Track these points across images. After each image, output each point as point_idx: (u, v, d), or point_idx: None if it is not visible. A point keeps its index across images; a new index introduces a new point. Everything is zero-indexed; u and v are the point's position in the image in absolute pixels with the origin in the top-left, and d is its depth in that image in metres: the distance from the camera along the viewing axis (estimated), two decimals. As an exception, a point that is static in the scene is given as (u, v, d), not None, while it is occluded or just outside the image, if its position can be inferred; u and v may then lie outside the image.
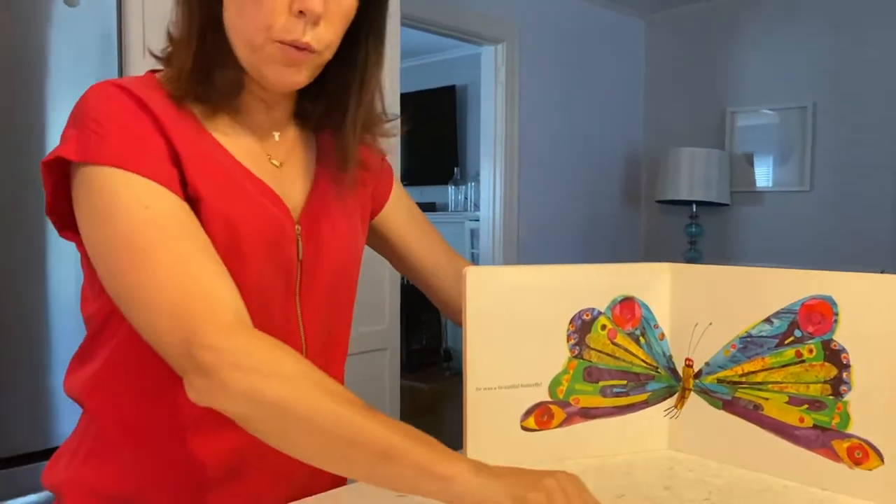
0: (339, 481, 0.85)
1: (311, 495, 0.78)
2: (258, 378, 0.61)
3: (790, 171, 3.84)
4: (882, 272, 2.63)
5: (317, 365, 0.81)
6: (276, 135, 0.82)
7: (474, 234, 4.69)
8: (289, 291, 0.79)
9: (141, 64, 1.81)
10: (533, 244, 3.62)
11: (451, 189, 5.21)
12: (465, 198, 5.11)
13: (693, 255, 4.01)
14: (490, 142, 3.55)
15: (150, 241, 0.66)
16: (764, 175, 3.95)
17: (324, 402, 0.60)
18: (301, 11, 0.69)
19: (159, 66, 0.77)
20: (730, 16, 3.97)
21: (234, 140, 0.77)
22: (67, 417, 1.49)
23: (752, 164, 3.98)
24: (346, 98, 0.80)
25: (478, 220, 3.91)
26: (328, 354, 0.85)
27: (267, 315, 0.76)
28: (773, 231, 3.88)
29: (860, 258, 3.52)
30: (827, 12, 3.62)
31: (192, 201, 0.71)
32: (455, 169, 5.22)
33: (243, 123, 0.79)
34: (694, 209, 3.99)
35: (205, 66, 0.73)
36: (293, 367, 0.63)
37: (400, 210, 0.96)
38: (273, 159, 0.81)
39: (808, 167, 3.74)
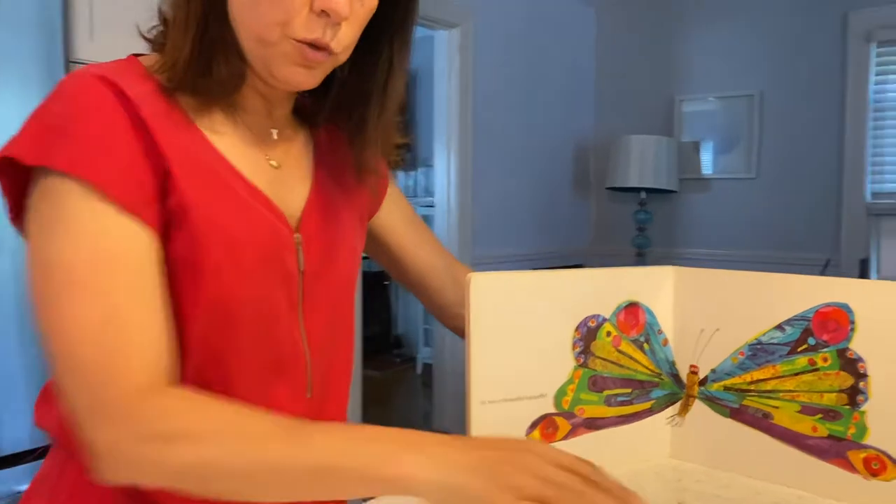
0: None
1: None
2: (159, 447, 0.56)
3: (737, 159, 3.90)
4: (827, 261, 2.68)
5: (320, 383, 0.76)
6: (275, 133, 0.75)
7: (427, 220, 4.63)
8: (291, 306, 0.73)
9: (88, 46, 1.70)
10: (487, 231, 3.59)
11: (400, 174, 5.14)
12: (416, 183, 5.05)
13: (641, 241, 4.05)
14: (444, 127, 3.49)
15: (88, 278, 0.58)
16: (711, 162, 4.01)
17: (237, 448, 0.56)
18: (324, 11, 0.63)
19: (135, 50, 0.70)
20: (680, 4, 4.00)
21: (227, 139, 0.70)
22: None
23: (699, 152, 4.03)
24: (367, 107, 0.74)
25: (430, 206, 3.86)
26: (333, 371, 0.79)
27: (270, 333, 0.70)
28: (720, 217, 3.94)
29: (804, 245, 3.61)
30: (772, 2, 3.67)
31: (180, 209, 0.64)
32: (406, 154, 5.15)
33: (239, 120, 0.72)
34: (643, 196, 4.03)
35: (205, 55, 0.66)
36: (201, 423, 0.57)
37: (395, 211, 0.90)
38: (271, 160, 0.74)
39: (755, 155, 3.81)
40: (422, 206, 4.78)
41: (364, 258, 0.89)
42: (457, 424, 3.61)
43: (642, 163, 3.87)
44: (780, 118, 3.71)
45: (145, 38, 0.69)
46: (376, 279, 5.08)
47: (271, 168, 0.73)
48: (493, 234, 3.64)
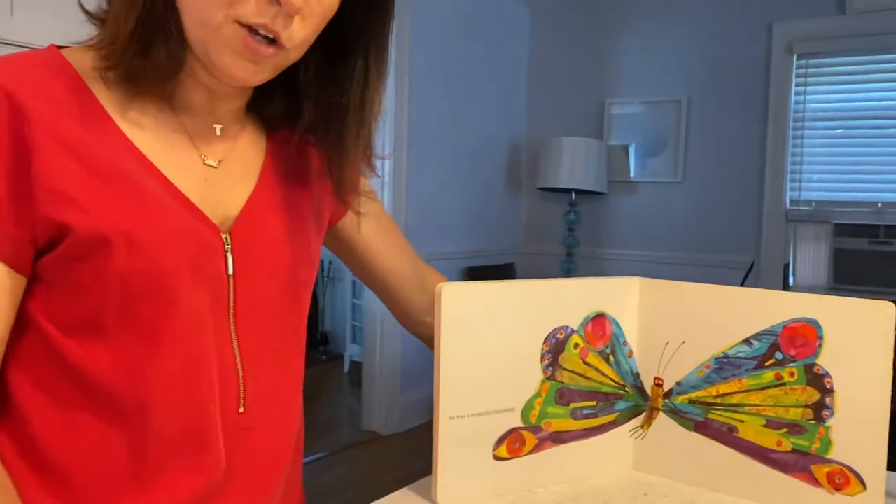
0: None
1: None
2: None
3: (663, 163, 4.00)
4: (752, 264, 2.77)
5: (254, 398, 0.71)
6: (218, 129, 0.70)
7: (357, 216, 4.56)
8: (219, 311, 0.68)
9: (9, 23, 1.58)
10: (420, 229, 3.56)
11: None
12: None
13: (571, 241, 4.11)
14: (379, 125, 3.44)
15: None
16: (638, 166, 4.09)
17: None
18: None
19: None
20: (613, 9, 4.06)
21: (152, 135, 0.65)
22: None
23: (627, 155, 4.11)
24: (344, 123, 0.70)
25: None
26: (278, 378, 0.74)
27: (193, 341, 0.66)
28: (647, 220, 4.04)
29: (728, 248, 3.74)
30: (702, 10, 3.78)
31: (65, 219, 0.59)
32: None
33: (175, 112, 0.67)
34: (573, 197, 4.08)
35: (146, 35, 0.61)
36: None
37: (366, 215, 0.86)
38: (207, 158, 0.69)
39: (681, 159, 3.92)
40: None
41: None
42: (385, 425, 3.57)
43: (573, 164, 3.92)
44: (706, 124, 3.82)
45: (87, 14, 0.63)
46: (304, 275, 4.99)
47: (206, 167, 0.68)
48: (426, 233, 3.62)
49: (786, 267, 3.57)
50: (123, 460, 0.64)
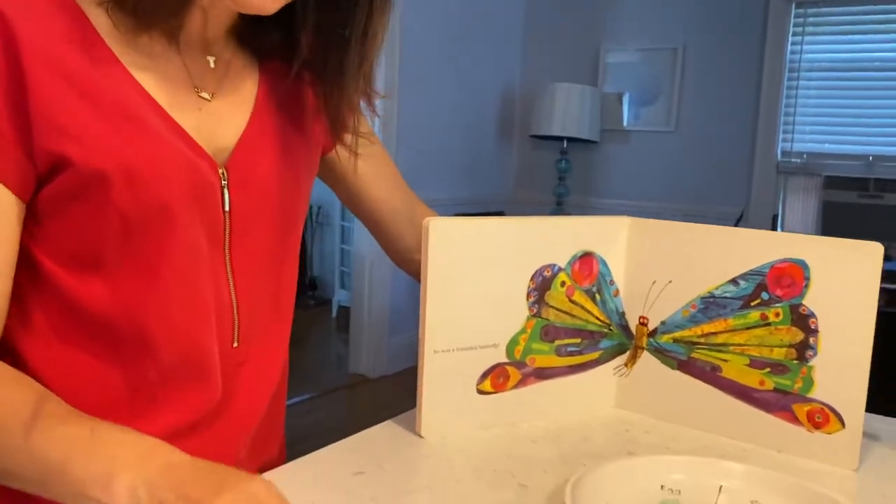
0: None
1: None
2: None
3: (657, 112, 3.97)
4: (741, 215, 2.77)
5: (249, 332, 0.71)
6: (211, 60, 0.68)
7: (346, 160, 4.52)
8: (216, 248, 0.67)
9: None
10: (410, 175, 3.53)
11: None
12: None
13: (561, 190, 4.09)
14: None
15: None
16: (632, 115, 4.06)
17: None
18: None
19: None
20: (610, -48, 3.97)
21: (153, 71, 0.63)
22: None
23: (621, 103, 4.07)
24: (345, 55, 0.68)
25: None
26: (267, 319, 0.74)
27: (191, 275, 0.65)
28: (638, 169, 4.02)
29: (718, 199, 3.73)
30: (702, -43, 3.70)
31: (63, 151, 0.57)
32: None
33: (171, 44, 0.64)
34: (564, 145, 4.05)
35: None
36: None
37: (359, 147, 0.84)
38: (202, 91, 0.67)
39: (675, 108, 3.88)
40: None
41: None
42: (372, 368, 3.60)
43: (566, 112, 3.88)
44: (701, 73, 3.78)
45: None
46: (292, 219, 4.96)
47: (202, 100, 0.67)
48: (417, 179, 3.57)
49: (774, 218, 3.58)
50: (121, 394, 0.64)
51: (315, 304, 5.06)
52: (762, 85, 3.57)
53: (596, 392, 0.91)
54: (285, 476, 0.69)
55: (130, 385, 0.64)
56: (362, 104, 0.74)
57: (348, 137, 0.78)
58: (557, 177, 4.11)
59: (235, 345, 0.70)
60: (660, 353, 0.88)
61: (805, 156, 3.58)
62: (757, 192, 3.63)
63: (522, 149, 4.38)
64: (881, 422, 0.90)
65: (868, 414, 0.87)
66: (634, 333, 0.90)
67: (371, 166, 0.86)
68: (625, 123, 4.06)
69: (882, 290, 0.73)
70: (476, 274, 0.80)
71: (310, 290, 5.17)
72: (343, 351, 3.92)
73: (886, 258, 0.76)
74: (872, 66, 3.40)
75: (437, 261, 0.77)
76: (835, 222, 3.44)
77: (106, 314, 0.62)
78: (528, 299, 0.84)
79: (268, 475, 0.68)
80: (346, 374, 3.68)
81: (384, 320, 3.61)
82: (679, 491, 0.68)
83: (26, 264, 0.61)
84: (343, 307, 4.58)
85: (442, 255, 0.77)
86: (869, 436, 0.85)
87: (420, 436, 0.79)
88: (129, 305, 0.62)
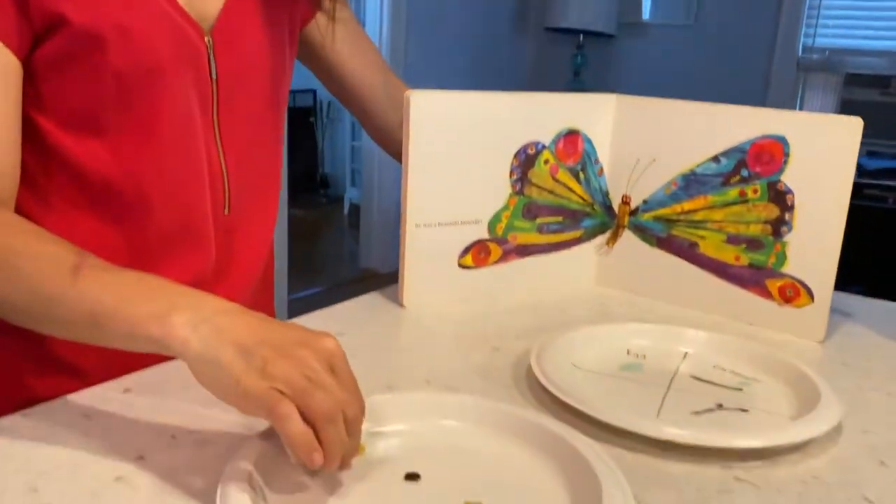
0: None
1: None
2: None
3: (676, 3, 3.83)
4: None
5: (239, 199, 0.73)
6: None
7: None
8: (205, 114, 0.68)
9: None
10: (420, 68, 3.47)
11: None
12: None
13: (576, 85, 4.01)
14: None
15: None
16: (651, 6, 3.92)
17: (15, 284, 0.53)
18: None
19: None
20: None
21: None
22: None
23: (640, -5, 3.93)
24: None
25: (362, 40, 3.68)
26: (254, 187, 0.75)
27: (185, 142, 0.66)
28: (656, 64, 3.92)
29: (736, 96, 3.65)
30: None
31: (59, 10, 0.57)
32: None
33: None
34: (581, 39, 3.95)
35: None
36: None
37: (336, 22, 0.83)
38: None
39: (694, 0, 3.74)
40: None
41: (290, 91, 0.83)
42: (383, 265, 3.66)
43: (582, 2, 3.76)
44: (723, -37, 3.62)
45: None
46: (302, 115, 4.92)
47: None
48: (427, 72, 3.53)
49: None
50: (122, 255, 0.66)
51: (327, 202, 5.09)
52: (787, -25, 3.42)
53: (577, 269, 0.93)
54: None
55: (131, 247, 0.67)
56: None
57: (327, 2, 0.78)
58: (573, 72, 4.02)
59: (227, 212, 0.72)
60: (640, 230, 0.89)
61: (827, 52, 3.46)
62: (775, 88, 3.54)
63: (537, 43, 4.26)
64: (858, 301, 0.91)
65: (844, 293, 0.89)
66: (617, 212, 0.91)
67: (347, 42, 0.85)
68: (644, 16, 3.93)
69: None
70: (458, 149, 0.81)
71: (321, 188, 5.19)
72: (354, 247, 3.97)
73: None
74: (905, -46, 3.23)
75: (418, 135, 0.78)
76: (852, 120, 3.35)
77: (106, 176, 0.64)
78: (511, 177, 0.85)
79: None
80: (357, 268, 3.75)
81: (394, 216, 3.64)
82: (644, 356, 0.71)
83: (27, 129, 0.62)
84: (354, 204, 4.61)
85: (423, 128, 0.78)
86: (842, 313, 0.87)
87: (402, 306, 0.82)
88: (128, 167, 0.64)
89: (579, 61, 3.99)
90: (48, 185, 0.64)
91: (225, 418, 0.54)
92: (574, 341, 0.70)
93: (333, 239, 4.46)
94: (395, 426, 0.54)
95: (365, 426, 0.49)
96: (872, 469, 0.54)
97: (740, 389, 0.65)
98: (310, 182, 5.12)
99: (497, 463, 0.51)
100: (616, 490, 0.46)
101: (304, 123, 4.95)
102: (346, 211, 4.85)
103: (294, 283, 3.00)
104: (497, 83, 4.07)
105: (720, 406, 0.62)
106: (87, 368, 0.65)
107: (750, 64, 3.61)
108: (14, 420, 0.54)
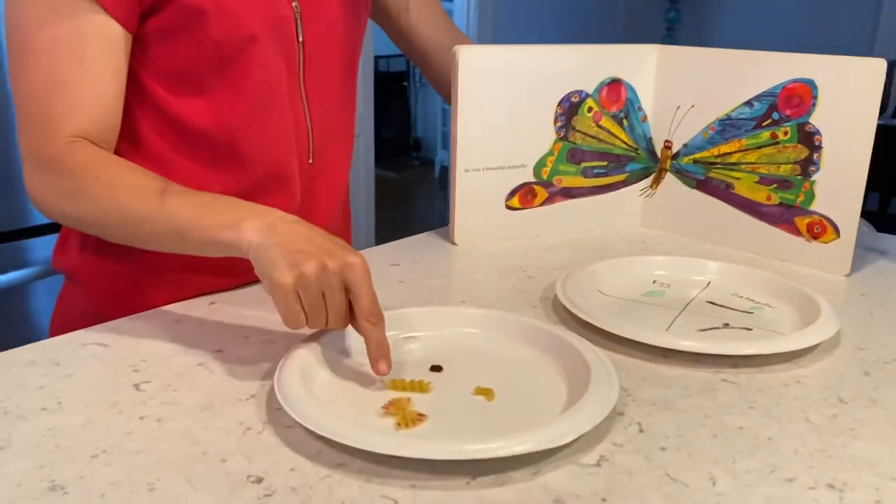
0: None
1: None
2: (62, 201, 0.66)
3: (776, -46, 3.68)
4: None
5: (320, 151, 0.83)
6: None
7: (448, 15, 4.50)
8: (292, 75, 0.77)
9: None
10: (508, 27, 3.50)
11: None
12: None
13: (669, 41, 3.94)
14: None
15: (39, 47, 0.65)
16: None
17: (113, 206, 0.64)
18: None
19: None
20: None
21: None
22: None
23: (738, -55, 3.80)
24: None
25: (452, 1, 3.74)
26: (333, 139, 0.85)
27: (275, 102, 0.76)
28: (756, 18, 3.79)
29: (840, 47, 3.49)
30: None
31: None
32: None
33: None
34: (674, -7, 3.86)
35: None
36: (93, 182, 0.65)
37: None
38: None
39: (796, -51, 3.59)
40: (443, 2, 4.62)
41: (383, 57, 0.91)
42: (472, 222, 3.74)
43: (676, -44, 3.67)
44: None
45: None
46: (395, 80, 5.04)
47: None
48: (515, 29, 3.56)
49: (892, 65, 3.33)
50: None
51: (419, 164, 5.21)
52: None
53: (621, 211, 0.99)
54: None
55: (225, 190, 0.78)
56: None
57: None
58: (665, 27, 3.95)
59: (310, 161, 0.82)
60: (680, 174, 0.94)
61: (941, -4, 3.26)
62: (882, 41, 3.37)
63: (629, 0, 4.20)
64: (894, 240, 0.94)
65: (888, 235, 0.92)
66: (660, 157, 0.96)
67: (418, 6, 0.93)
68: (741, -34, 3.79)
69: None
70: (504, 99, 0.88)
71: (414, 151, 5.32)
72: (444, 209, 4.08)
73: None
74: None
75: (466, 85, 0.86)
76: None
77: (204, 128, 0.74)
78: (555, 124, 0.92)
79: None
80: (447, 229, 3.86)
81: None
82: (669, 285, 0.78)
83: (135, 87, 0.74)
84: (445, 167, 4.71)
85: (470, 80, 0.86)
86: (879, 252, 0.90)
87: (454, 243, 0.92)
88: (223, 122, 0.74)
89: (673, 17, 3.92)
90: (153, 133, 0.75)
91: (287, 323, 0.66)
92: (602, 270, 0.78)
93: (425, 200, 4.59)
94: (425, 332, 0.64)
95: (399, 333, 0.59)
96: (855, 378, 0.60)
97: (751, 313, 0.71)
98: (402, 145, 5.25)
99: (508, 361, 0.60)
100: (604, 377, 0.53)
101: (397, 88, 5.07)
102: (436, 173, 4.96)
103: (381, 241, 3.13)
104: (587, 39, 4.04)
105: (726, 325, 0.68)
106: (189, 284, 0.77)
107: (855, 13, 3.44)
108: (123, 322, 0.68)
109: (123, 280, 0.76)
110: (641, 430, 0.52)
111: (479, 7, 3.37)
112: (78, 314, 0.76)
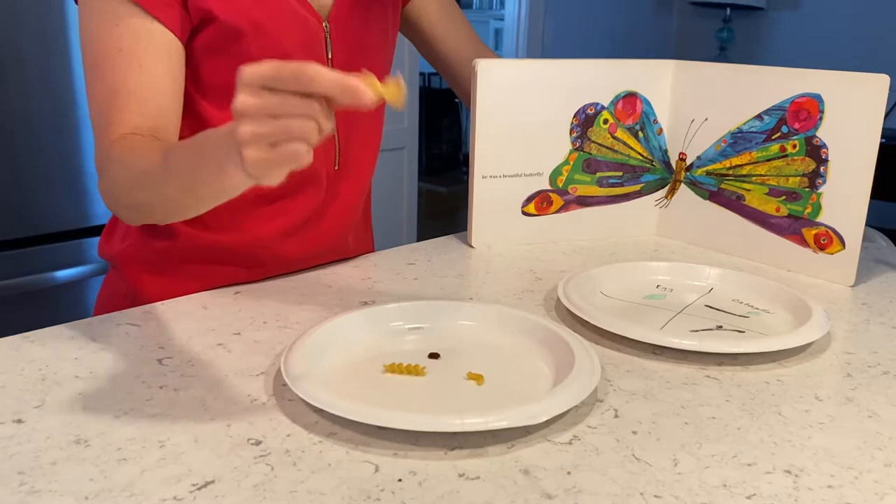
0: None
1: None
2: (116, 197, 0.70)
3: (833, -27, 3.63)
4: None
5: (345, 159, 0.88)
6: None
7: (499, 34, 4.57)
8: None
9: None
10: (559, 46, 3.54)
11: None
12: (489, -5, 4.93)
13: (721, 61, 3.91)
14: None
15: (103, 58, 0.71)
16: (805, -24, 3.74)
17: (144, 190, 0.67)
18: None
19: None
20: None
21: None
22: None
23: (793, -36, 3.76)
24: None
25: (501, 20, 3.80)
26: (359, 149, 0.90)
27: None
28: (809, 38, 3.75)
29: (892, 65, 3.43)
30: None
31: (209, 7, 0.74)
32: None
33: None
34: (728, 13, 3.85)
35: None
36: (129, 176, 0.68)
37: (434, 2, 0.96)
38: None
39: (853, -32, 3.54)
40: (495, 20, 4.69)
41: (432, 74, 0.96)
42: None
43: (729, -25, 3.66)
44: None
45: None
46: (447, 96, 5.13)
47: None
48: (566, 50, 3.59)
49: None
50: (250, 202, 0.84)
51: (468, 180, 5.27)
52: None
53: (636, 220, 1.02)
54: (359, 261, 0.89)
55: (260, 191, 0.84)
56: None
57: None
58: (718, 47, 3.93)
59: (336, 168, 0.88)
60: (694, 185, 0.97)
61: None
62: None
63: (682, 16, 4.19)
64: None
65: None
66: (675, 168, 0.99)
67: (443, 19, 0.98)
68: (796, -14, 3.76)
69: None
70: (521, 110, 0.93)
71: (464, 166, 5.38)
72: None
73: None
74: None
75: (484, 96, 0.91)
76: None
77: None
78: (571, 134, 0.95)
79: (353, 260, 0.88)
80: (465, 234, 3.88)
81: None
82: (671, 289, 0.80)
83: (186, 102, 0.80)
84: (494, 181, 4.75)
85: (489, 91, 0.91)
86: (890, 265, 0.90)
87: (471, 246, 0.96)
88: None
89: (725, 36, 3.90)
90: (189, 134, 0.82)
91: (304, 313, 0.71)
92: (606, 273, 0.81)
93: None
94: (427, 324, 0.68)
95: (404, 323, 0.66)
96: (836, 378, 0.62)
97: (746, 317, 0.73)
98: (453, 161, 5.33)
99: (501, 350, 0.64)
100: (586, 367, 0.57)
101: (448, 104, 5.15)
102: (486, 188, 5.00)
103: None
104: (640, 58, 4.04)
105: (719, 327, 0.71)
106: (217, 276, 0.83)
107: (913, 33, 3.38)
108: (155, 306, 0.74)
109: (158, 269, 0.83)
110: (617, 416, 0.55)
111: (528, 26, 3.42)
112: (118, 298, 0.83)
